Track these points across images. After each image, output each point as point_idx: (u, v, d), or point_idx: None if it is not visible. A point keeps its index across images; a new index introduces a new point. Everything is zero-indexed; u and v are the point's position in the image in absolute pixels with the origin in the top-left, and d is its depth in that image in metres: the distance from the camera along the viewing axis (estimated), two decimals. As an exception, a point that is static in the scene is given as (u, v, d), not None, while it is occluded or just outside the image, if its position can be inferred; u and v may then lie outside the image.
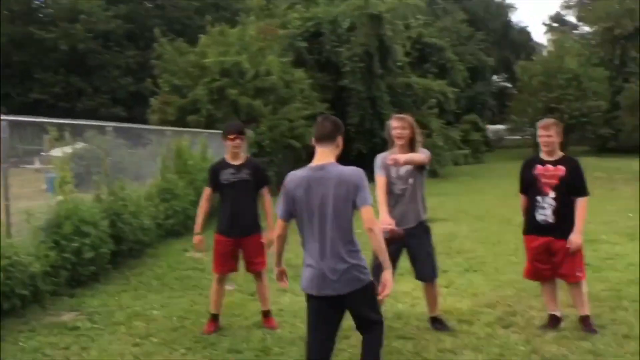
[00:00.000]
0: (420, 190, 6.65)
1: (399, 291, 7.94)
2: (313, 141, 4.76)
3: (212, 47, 24.71)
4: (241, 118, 23.69)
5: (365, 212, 4.48)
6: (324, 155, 4.67)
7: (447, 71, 42.05)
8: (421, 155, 6.55)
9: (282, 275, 5.10)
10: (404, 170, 6.54)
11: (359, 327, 4.76)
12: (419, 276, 6.79)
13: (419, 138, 6.66)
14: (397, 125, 6.59)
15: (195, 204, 9.48)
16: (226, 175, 6.91)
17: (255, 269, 7.09)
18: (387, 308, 7.24)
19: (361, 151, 29.08)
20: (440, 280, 8.83)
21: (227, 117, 23.51)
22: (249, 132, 23.10)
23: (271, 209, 6.96)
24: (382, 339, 4.75)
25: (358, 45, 30.16)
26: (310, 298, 4.70)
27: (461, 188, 25.29)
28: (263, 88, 24.40)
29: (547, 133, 6.72)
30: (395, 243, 6.21)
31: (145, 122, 25.80)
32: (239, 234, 6.91)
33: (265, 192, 7.12)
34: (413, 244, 6.61)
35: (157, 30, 26.66)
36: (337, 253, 4.51)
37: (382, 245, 4.57)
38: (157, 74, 26.32)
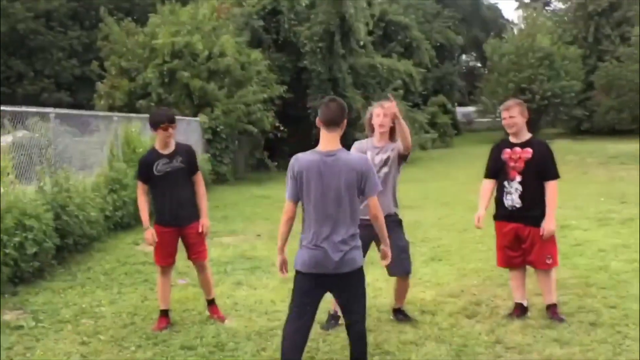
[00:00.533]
0: (392, 182, 6.78)
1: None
2: (318, 123, 4.99)
3: (163, 27, 24.52)
4: (194, 102, 23.70)
5: (373, 199, 4.98)
6: (332, 141, 4.95)
7: (413, 51, 42.24)
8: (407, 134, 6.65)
9: (283, 265, 5.22)
10: (378, 159, 6.67)
11: (345, 314, 5.18)
12: (393, 272, 6.85)
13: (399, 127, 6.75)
14: (379, 112, 6.72)
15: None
16: (160, 166, 6.97)
17: (198, 257, 7.19)
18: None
19: (322, 136, 29.21)
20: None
21: (179, 101, 23.54)
22: (202, 117, 23.13)
23: (205, 196, 7.15)
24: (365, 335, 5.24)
25: (318, 24, 30.14)
26: (302, 277, 4.99)
27: (428, 174, 25.52)
28: (217, 70, 24.36)
29: (510, 114, 6.88)
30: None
31: (91, 107, 25.67)
32: (179, 223, 7.01)
33: (198, 178, 7.20)
34: None
35: (104, 9, 26.46)
36: (342, 235, 4.89)
37: (385, 232, 5.18)
38: (103, 56, 26.09)
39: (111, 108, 22.78)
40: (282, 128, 27.54)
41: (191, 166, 7.12)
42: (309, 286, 4.98)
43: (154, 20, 25.54)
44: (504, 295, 7.75)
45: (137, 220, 12.61)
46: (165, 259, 7.11)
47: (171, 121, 7.01)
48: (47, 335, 6.85)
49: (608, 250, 10.23)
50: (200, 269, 7.30)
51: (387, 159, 6.69)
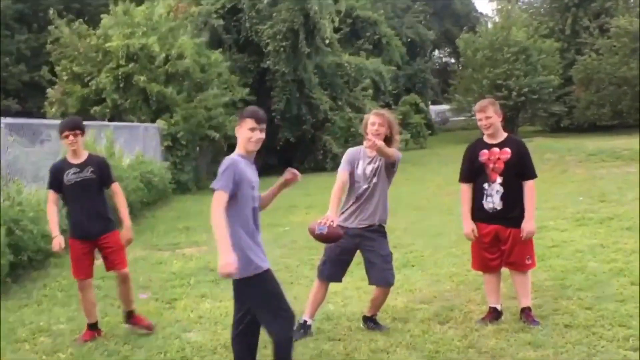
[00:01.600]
0: (381, 192, 6.98)
1: (328, 291, 8.24)
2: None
3: (116, 29, 24.53)
4: (152, 107, 23.73)
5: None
6: None
7: (382, 47, 42.69)
8: (395, 150, 6.89)
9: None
10: (370, 168, 6.92)
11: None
12: (375, 281, 7.07)
13: (396, 137, 7.02)
14: (375, 121, 6.91)
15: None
16: (69, 176, 7.15)
17: (116, 268, 7.36)
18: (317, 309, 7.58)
19: (288, 140, 29.37)
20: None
21: (136, 107, 23.58)
22: (161, 123, 23.18)
23: (125, 206, 7.33)
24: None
25: (281, 22, 30.30)
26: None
27: (400, 177, 25.17)
28: (175, 73, 24.49)
29: (486, 114, 7.06)
30: (334, 242, 6.57)
31: (42, 115, 25.60)
32: (90, 236, 7.20)
33: (116, 189, 7.38)
34: (369, 246, 6.97)
35: (53, 10, 26.34)
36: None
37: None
38: (54, 61, 25.94)
39: (63, 115, 22.66)
40: (245, 133, 27.60)
41: (103, 177, 7.28)
42: None
43: (107, 21, 25.40)
44: (478, 300, 7.99)
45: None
46: (80, 272, 7.29)
47: (72, 129, 7.14)
48: (3, 355, 6.95)
49: (585, 250, 10.48)
50: (121, 279, 7.42)
51: (377, 168, 6.92)
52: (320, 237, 6.43)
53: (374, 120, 6.89)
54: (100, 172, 7.24)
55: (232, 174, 4.95)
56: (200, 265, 11.04)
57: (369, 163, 6.93)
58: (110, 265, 7.36)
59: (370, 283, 7.16)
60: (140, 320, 7.49)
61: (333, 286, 8.48)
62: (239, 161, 5.08)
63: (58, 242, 7.09)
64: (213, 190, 4.95)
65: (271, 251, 10.67)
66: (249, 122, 5.15)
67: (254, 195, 5.18)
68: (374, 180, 6.90)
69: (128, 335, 7.39)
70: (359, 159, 6.96)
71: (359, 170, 6.93)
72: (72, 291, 9.62)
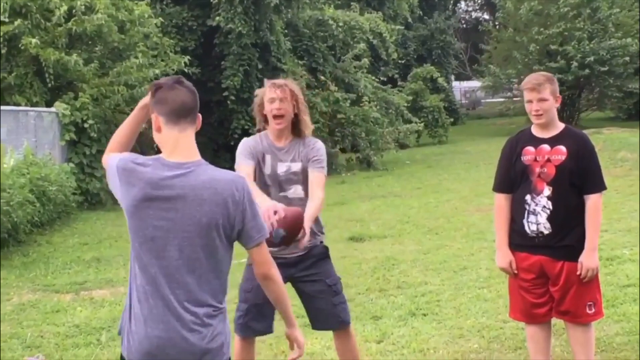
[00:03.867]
0: (306, 201, 6.87)
1: (306, 351, 8.23)
2: (156, 120, 4.71)
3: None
4: (48, 84, 23.59)
5: (259, 251, 4.68)
6: (185, 145, 4.67)
7: (383, -3, 42.68)
8: (318, 203, 6.70)
9: None
10: (283, 168, 6.82)
11: None
12: (322, 324, 7.09)
13: (304, 115, 6.92)
14: (274, 95, 6.76)
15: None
16: None
17: None
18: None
19: (247, 130, 29.33)
20: (369, 332, 9.23)
21: (24, 83, 23.39)
22: (61, 107, 23.05)
23: None
24: None
25: (237, -40, 30.32)
26: None
27: (408, 185, 25.73)
28: (82, 34, 24.36)
29: (540, 96, 6.93)
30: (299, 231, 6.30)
31: None
32: None
33: None
34: (307, 274, 6.89)
35: None
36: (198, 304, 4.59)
37: (287, 304, 4.83)
38: None
39: None
40: (186, 118, 27.56)
41: None
42: None
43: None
44: (519, 364, 7.99)
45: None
46: None
47: None
48: None
49: None
50: None
51: (299, 169, 6.84)
52: (284, 243, 6.16)
53: (272, 95, 6.75)
54: None
55: None
56: (116, 315, 10.99)
57: (281, 160, 6.85)
58: None
59: (316, 327, 7.20)
60: None
61: (309, 345, 8.51)
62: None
63: None
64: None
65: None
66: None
67: None
68: (295, 186, 6.85)
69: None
70: (264, 152, 6.85)
71: (267, 170, 6.85)
72: None
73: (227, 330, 4.63)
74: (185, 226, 4.46)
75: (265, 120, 6.86)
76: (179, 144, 4.59)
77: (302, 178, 6.79)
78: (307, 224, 6.28)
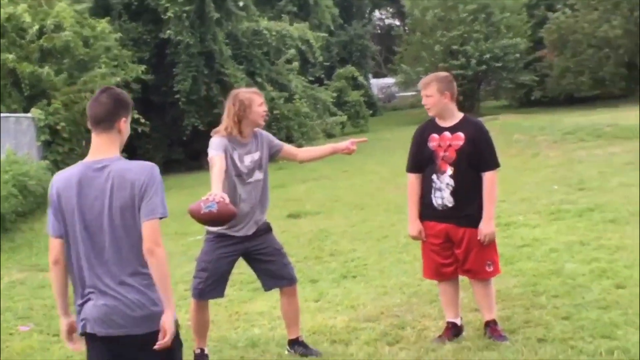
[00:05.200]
0: (266, 189, 7.21)
1: (253, 312, 8.40)
2: (89, 125, 4.81)
3: (-25, -5, 24.26)
4: (24, 93, 23.47)
5: (149, 227, 4.56)
6: (104, 146, 4.73)
7: (309, 9, 42.62)
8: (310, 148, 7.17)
9: (71, 332, 4.84)
10: (248, 159, 7.02)
11: None
12: (274, 282, 7.23)
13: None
14: (262, 100, 7.19)
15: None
16: None
17: None
18: (240, 334, 7.71)
19: (197, 128, 29.32)
20: (308, 293, 9.37)
21: (3, 93, 23.26)
22: (36, 113, 22.92)
23: None
24: None
25: (183, -20, 30.19)
26: (92, 341, 4.71)
27: (336, 168, 25.55)
28: (52, 49, 24.24)
29: (425, 92, 7.23)
30: (226, 222, 6.39)
31: None
32: None
33: None
34: (258, 245, 7.06)
35: None
36: (121, 282, 4.59)
37: (166, 274, 4.61)
38: None
39: None
40: (142, 120, 27.32)
41: None
42: (99, 353, 4.70)
43: (-37, -14, 25.06)
44: (434, 314, 8.14)
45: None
46: None
47: None
48: None
49: (561, 250, 10.57)
50: None
51: (260, 160, 7.10)
52: (209, 217, 6.09)
53: (262, 100, 7.14)
54: None
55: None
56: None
57: (247, 153, 7.06)
58: None
59: (269, 286, 7.32)
60: None
61: (259, 306, 8.71)
62: None
63: None
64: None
65: (180, 266, 10.74)
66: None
67: None
68: (257, 174, 7.11)
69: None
70: (233, 149, 7.02)
71: (238, 161, 7.03)
72: None
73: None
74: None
75: (237, 123, 6.96)
76: (97, 146, 4.71)
77: (261, 163, 7.09)
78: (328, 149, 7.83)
